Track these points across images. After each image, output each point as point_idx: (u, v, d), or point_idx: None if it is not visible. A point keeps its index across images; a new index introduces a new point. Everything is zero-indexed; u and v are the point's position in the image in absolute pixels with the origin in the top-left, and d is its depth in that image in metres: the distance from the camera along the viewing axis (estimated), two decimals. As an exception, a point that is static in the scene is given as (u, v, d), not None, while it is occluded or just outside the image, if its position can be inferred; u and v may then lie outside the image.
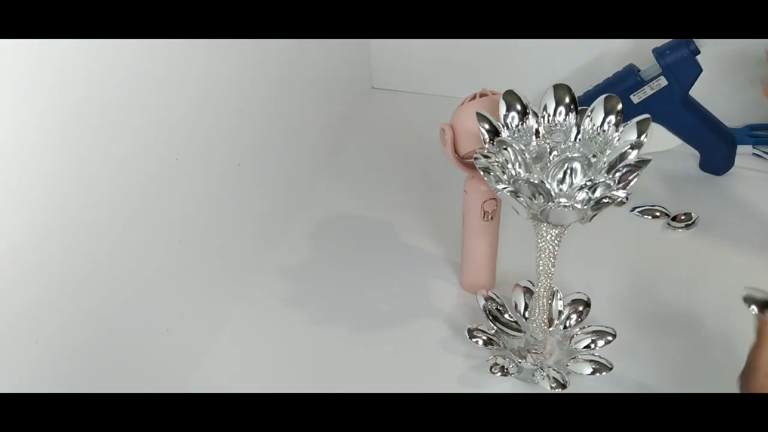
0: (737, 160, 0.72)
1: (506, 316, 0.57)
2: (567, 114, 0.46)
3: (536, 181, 0.41)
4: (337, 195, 0.75)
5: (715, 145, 0.72)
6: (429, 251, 0.66)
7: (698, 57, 0.68)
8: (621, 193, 0.42)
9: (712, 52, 0.72)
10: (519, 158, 0.44)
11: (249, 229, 0.63)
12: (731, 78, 0.76)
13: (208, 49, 0.52)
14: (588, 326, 0.55)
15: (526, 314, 0.56)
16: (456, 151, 0.52)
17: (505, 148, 0.44)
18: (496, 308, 0.57)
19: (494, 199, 0.55)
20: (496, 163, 0.45)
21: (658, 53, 0.68)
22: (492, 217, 0.56)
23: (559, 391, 0.49)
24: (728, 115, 0.77)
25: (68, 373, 0.43)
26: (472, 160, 0.53)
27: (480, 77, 0.63)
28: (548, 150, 0.47)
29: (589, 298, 0.57)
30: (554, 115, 0.47)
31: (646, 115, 0.44)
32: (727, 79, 0.76)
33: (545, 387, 0.50)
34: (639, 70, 0.70)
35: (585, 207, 0.43)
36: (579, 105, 0.47)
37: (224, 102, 0.56)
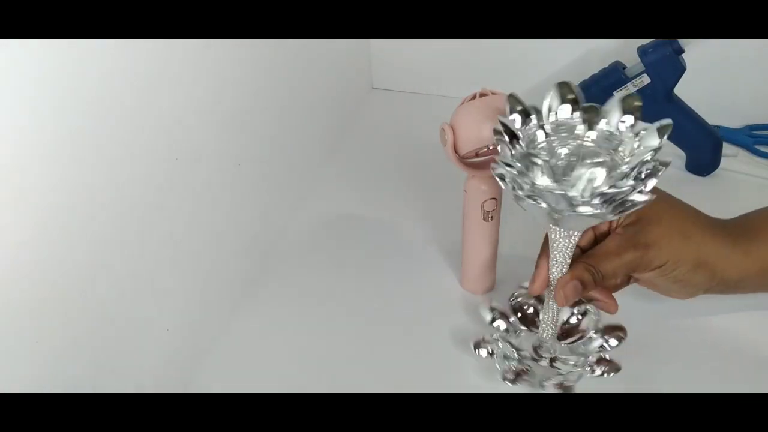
0: (722, 161, 0.72)
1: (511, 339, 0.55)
2: (573, 112, 0.45)
3: (567, 193, 0.40)
4: (337, 195, 0.75)
5: (701, 145, 0.72)
6: (429, 251, 0.66)
7: (700, 56, 0.68)
8: (643, 198, 0.42)
9: (711, 51, 0.72)
10: (547, 170, 0.42)
11: (249, 229, 0.63)
12: (730, 78, 0.76)
13: (208, 49, 0.52)
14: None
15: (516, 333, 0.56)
16: (456, 151, 0.52)
17: (534, 161, 0.41)
18: (510, 316, 0.55)
19: (494, 198, 0.55)
20: (516, 172, 0.43)
21: (642, 51, 0.68)
22: (492, 217, 0.56)
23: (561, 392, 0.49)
24: (728, 114, 0.77)
25: (68, 373, 0.43)
26: (473, 159, 0.54)
27: (480, 77, 0.63)
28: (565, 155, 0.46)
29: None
30: (556, 113, 0.46)
31: (668, 120, 0.44)
32: (726, 78, 0.76)
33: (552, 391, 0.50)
34: (624, 68, 0.70)
35: (608, 213, 0.42)
36: None
37: (224, 102, 0.56)
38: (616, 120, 0.45)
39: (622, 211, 0.42)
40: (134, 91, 0.44)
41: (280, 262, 0.66)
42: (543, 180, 0.41)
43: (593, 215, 0.41)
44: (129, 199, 0.45)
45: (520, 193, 0.42)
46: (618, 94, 0.45)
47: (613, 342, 0.52)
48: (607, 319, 0.55)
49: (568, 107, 0.45)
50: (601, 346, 0.52)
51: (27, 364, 0.39)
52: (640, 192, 0.41)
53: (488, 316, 0.55)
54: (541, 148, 0.45)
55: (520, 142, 0.43)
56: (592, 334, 0.53)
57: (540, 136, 0.45)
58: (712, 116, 0.78)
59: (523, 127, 0.45)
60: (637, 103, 0.44)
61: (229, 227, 0.59)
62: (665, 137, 0.43)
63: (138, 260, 0.47)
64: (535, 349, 0.53)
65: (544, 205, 0.42)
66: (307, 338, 0.59)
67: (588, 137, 0.45)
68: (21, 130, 0.36)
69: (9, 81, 0.35)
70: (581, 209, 0.41)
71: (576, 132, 0.45)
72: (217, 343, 0.58)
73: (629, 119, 0.44)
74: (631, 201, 0.41)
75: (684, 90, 0.70)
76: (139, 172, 0.46)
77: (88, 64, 0.40)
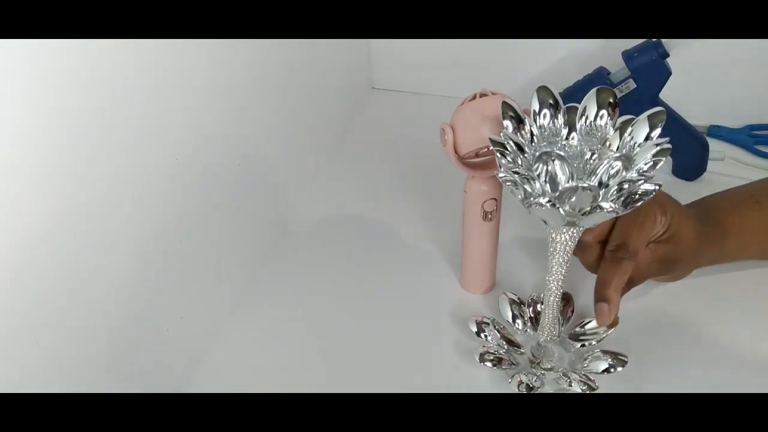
0: (708, 165, 0.71)
1: (509, 330, 0.56)
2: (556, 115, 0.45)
3: (591, 186, 0.40)
4: (337, 195, 0.75)
5: (688, 149, 0.70)
6: (429, 251, 0.66)
7: (700, 56, 0.67)
8: (651, 186, 0.42)
9: (711, 51, 0.72)
10: (569, 170, 0.42)
11: (249, 229, 0.63)
12: (730, 78, 0.76)
13: (208, 49, 0.52)
14: (583, 322, 0.55)
15: (517, 325, 0.56)
16: (456, 151, 0.52)
17: (553, 160, 0.41)
18: (498, 329, 0.55)
19: (494, 199, 0.55)
20: (526, 177, 0.43)
21: (627, 56, 0.67)
22: (492, 217, 0.56)
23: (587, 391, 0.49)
24: (728, 114, 0.77)
25: (68, 373, 0.43)
26: (473, 160, 0.54)
27: (480, 77, 0.64)
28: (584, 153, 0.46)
29: (570, 294, 0.57)
30: (540, 117, 0.46)
31: (660, 108, 0.44)
32: (725, 78, 0.76)
33: (576, 390, 0.49)
34: (609, 73, 0.69)
35: (621, 207, 0.42)
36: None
37: (224, 102, 0.56)
38: (593, 115, 0.45)
39: (631, 204, 0.42)
40: (133, 91, 0.44)
41: (280, 261, 0.66)
42: (563, 172, 0.41)
43: (613, 210, 0.42)
44: (128, 198, 0.45)
45: (542, 200, 0.41)
46: (592, 90, 0.45)
47: (619, 369, 0.51)
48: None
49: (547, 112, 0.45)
50: (605, 370, 0.51)
51: (26, 364, 0.39)
52: (647, 181, 0.42)
53: (474, 328, 0.55)
54: (563, 144, 0.45)
55: (526, 147, 0.44)
56: (600, 354, 0.52)
57: (563, 131, 0.45)
58: (712, 116, 0.78)
59: (548, 122, 0.45)
60: (611, 98, 0.44)
61: (228, 227, 0.59)
62: (660, 125, 0.43)
63: (137, 260, 0.47)
64: (532, 349, 0.53)
65: (562, 211, 0.41)
66: (306, 338, 0.59)
67: (574, 137, 0.45)
68: (20, 132, 0.36)
69: (7, 81, 0.35)
70: (604, 204, 0.41)
71: (561, 134, 0.46)
72: (217, 342, 0.58)
73: (604, 113, 0.44)
74: (642, 191, 0.42)
75: (685, 90, 0.70)
76: (138, 172, 0.46)
77: (88, 64, 0.40)
